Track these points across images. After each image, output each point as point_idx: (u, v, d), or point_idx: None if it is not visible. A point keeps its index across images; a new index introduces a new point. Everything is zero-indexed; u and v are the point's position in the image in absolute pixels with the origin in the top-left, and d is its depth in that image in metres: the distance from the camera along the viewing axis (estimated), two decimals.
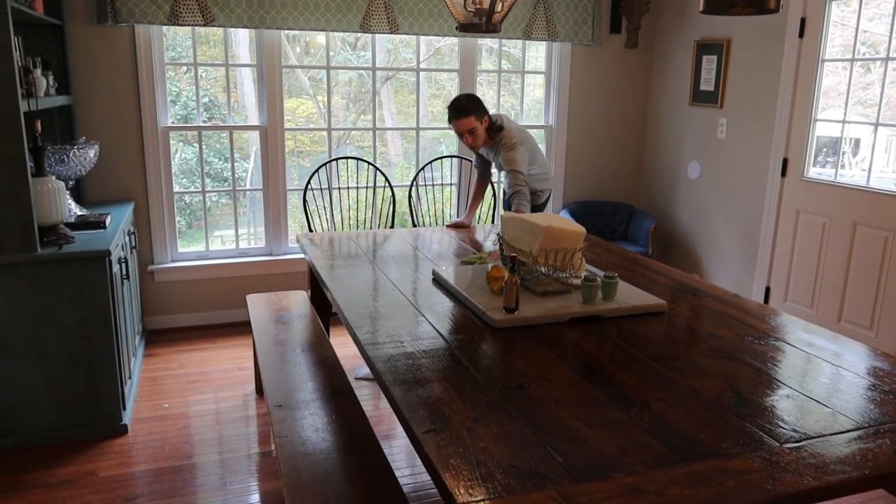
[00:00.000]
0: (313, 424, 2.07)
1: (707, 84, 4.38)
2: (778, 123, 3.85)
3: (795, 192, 3.81)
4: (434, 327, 2.03)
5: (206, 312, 4.16)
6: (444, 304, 2.25)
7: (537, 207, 3.83)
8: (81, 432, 2.84)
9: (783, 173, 3.87)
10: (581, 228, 2.27)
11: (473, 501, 1.18)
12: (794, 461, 1.32)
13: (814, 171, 3.75)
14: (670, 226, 4.79)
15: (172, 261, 4.08)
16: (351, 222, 4.30)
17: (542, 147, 4.88)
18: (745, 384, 1.69)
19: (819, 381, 1.71)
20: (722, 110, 4.28)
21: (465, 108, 3.34)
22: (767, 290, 4.04)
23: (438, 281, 2.49)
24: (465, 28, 2.52)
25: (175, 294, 4.08)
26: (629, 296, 2.26)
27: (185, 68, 4.50)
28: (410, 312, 2.16)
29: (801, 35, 3.68)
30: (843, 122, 3.57)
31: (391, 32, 4.08)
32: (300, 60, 5.67)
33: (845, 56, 3.56)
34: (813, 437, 1.41)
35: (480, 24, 2.47)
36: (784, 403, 1.58)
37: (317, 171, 3.99)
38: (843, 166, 3.68)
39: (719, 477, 1.26)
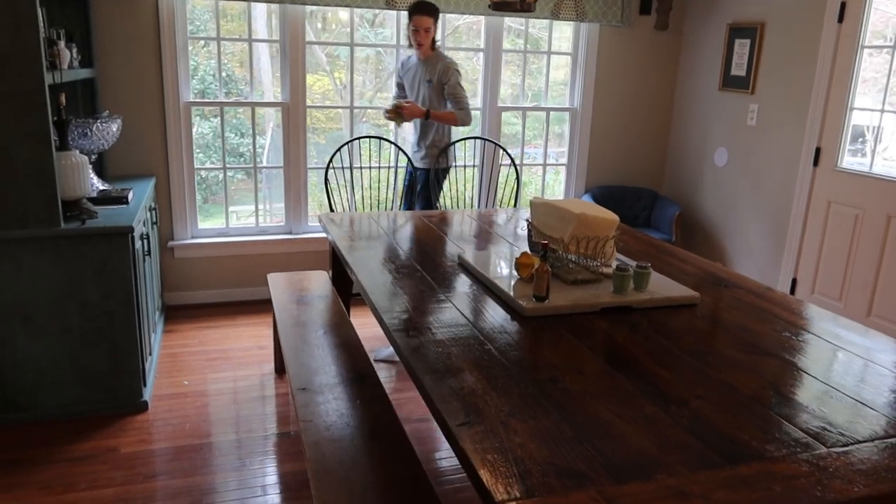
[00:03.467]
0: (337, 409, 2.05)
1: (738, 69, 4.27)
2: (812, 111, 3.75)
3: (828, 182, 3.72)
4: (462, 314, 1.99)
5: (225, 290, 4.15)
6: (471, 290, 2.21)
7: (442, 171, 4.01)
8: (102, 408, 2.84)
9: (815, 163, 3.77)
10: (614, 216, 2.21)
11: (511, 500, 1.15)
12: (842, 467, 1.27)
13: (847, 162, 3.65)
14: (694, 213, 4.71)
15: (192, 237, 4.06)
16: (371, 202, 4.25)
17: (566, 130, 4.81)
18: (784, 382, 1.64)
19: (863, 382, 1.66)
20: (753, 96, 4.18)
21: (433, 7, 3.72)
22: (794, 281, 3.96)
23: (464, 265, 2.45)
24: (499, 6, 2.45)
25: (195, 270, 4.07)
26: (661, 287, 2.21)
27: (202, 42, 4.42)
28: (437, 298, 2.12)
29: (840, 20, 3.56)
30: (882, 111, 3.47)
31: (401, 8, 3.99)
32: (318, 36, 5.59)
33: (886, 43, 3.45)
34: (861, 442, 1.36)
35: (515, 2, 2.40)
36: (827, 404, 1.53)
37: (339, 149, 3.94)
38: (864, 154, 3.60)
39: (766, 481, 1.22)
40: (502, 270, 2.34)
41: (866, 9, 3.45)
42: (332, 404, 2.07)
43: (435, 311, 2.02)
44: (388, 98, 4.49)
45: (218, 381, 3.23)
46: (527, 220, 2.44)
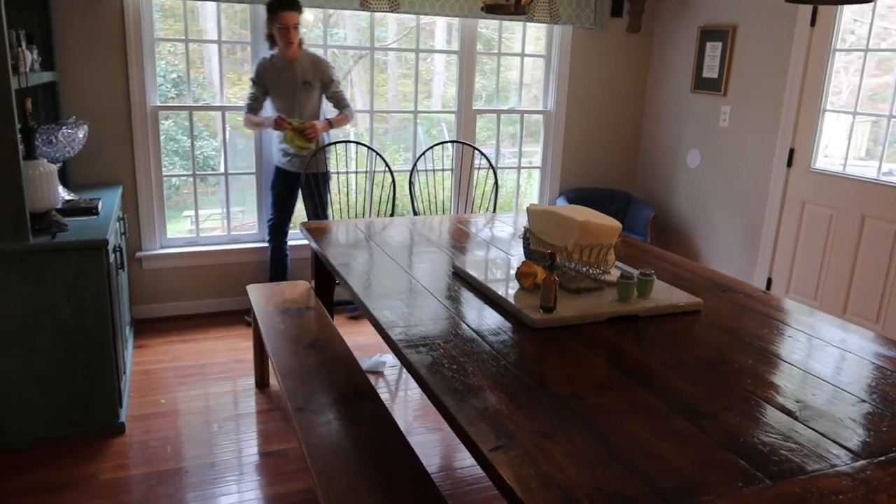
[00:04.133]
0: (341, 429, 1.96)
1: (710, 71, 4.32)
2: (785, 113, 3.81)
3: (802, 182, 3.79)
4: (469, 326, 1.93)
5: (197, 301, 3.99)
6: (471, 300, 2.15)
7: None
8: (77, 432, 2.68)
9: (789, 164, 3.84)
10: (616, 223, 2.19)
11: None
12: (884, 479, 1.26)
13: (821, 163, 3.72)
14: (668, 214, 4.75)
15: (161, 247, 3.90)
16: (344, 208, 4.15)
17: (540, 133, 4.80)
18: (805, 390, 1.63)
19: (879, 388, 1.66)
20: (725, 98, 4.23)
21: (297, 3, 3.46)
22: (769, 281, 4.03)
23: (460, 275, 2.39)
24: (492, 9, 2.39)
25: (164, 282, 3.90)
26: (663, 293, 2.19)
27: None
28: (439, 309, 2.06)
29: (812, 24, 3.63)
30: (855, 112, 3.55)
31: (392, 11, 3.92)
32: None
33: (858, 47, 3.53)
34: (894, 452, 1.36)
35: (508, 4, 2.35)
36: (853, 412, 1.52)
37: (314, 154, 3.83)
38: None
39: (813, 499, 1.20)
40: (501, 280, 2.29)
41: (839, 13, 3.52)
42: (335, 424, 1.99)
43: (439, 323, 1.95)
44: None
45: (196, 399, 3.09)
46: (525, 228, 2.39)
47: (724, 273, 4.27)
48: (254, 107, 3.67)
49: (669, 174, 4.72)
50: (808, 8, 3.61)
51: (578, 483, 1.21)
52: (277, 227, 3.87)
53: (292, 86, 3.61)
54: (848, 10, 3.53)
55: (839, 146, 3.65)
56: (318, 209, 3.83)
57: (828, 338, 1.99)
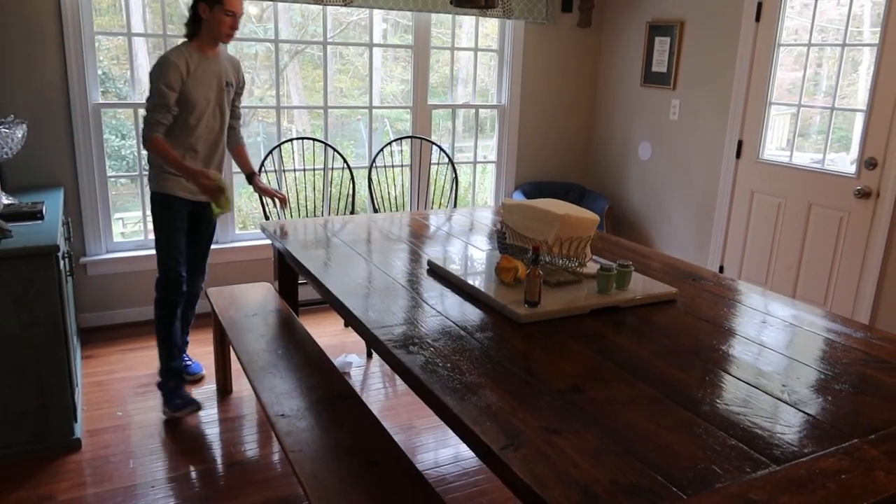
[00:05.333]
0: (325, 435, 1.90)
1: (659, 65, 4.42)
2: (733, 106, 3.93)
3: (750, 173, 3.92)
4: (454, 323, 1.90)
5: (148, 307, 3.80)
6: (450, 297, 2.13)
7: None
8: (29, 451, 2.52)
9: (738, 155, 3.96)
10: (594, 215, 2.20)
11: None
12: (879, 456, 1.30)
13: (769, 153, 3.86)
14: (621, 206, 4.84)
15: (108, 252, 3.71)
16: (300, 207, 4.05)
17: (494, 128, 4.80)
18: (789, 374, 1.67)
19: (855, 369, 1.72)
20: (675, 92, 4.33)
21: None
22: (721, 268, 4.15)
23: (436, 272, 2.36)
24: (461, 3, 2.36)
25: (112, 288, 3.72)
26: (640, 284, 2.22)
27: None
28: (420, 307, 2.02)
29: (757, 19, 3.75)
30: (799, 105, 3.69)
31: (344, 5, 3.84)
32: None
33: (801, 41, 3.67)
34: (882, 429, 1.40)
35: None
36: (836, 393, 1.57)
37: (270, 152, 3.72)
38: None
39: (819, 479, 1.22)
40: (479, 275, 2.26)
41: (782, 8, 3.65)
42: (318, 430, 1.92)
43: (424, 322, 1.91)
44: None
45: (155, 410, 2.96)
46: (500, 222, 2.38)
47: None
48: (165, 122, 2.67)
49: (622, 166, 4.81)
50: (754, 3, 3.73)
51: (595, 477, 1.20)
52: (178, 281, 2.87)
53: (217, 87, 2.79)
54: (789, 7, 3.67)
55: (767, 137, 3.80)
56: (198, 250, 3.06)
57: (798, 322, 2.05)
